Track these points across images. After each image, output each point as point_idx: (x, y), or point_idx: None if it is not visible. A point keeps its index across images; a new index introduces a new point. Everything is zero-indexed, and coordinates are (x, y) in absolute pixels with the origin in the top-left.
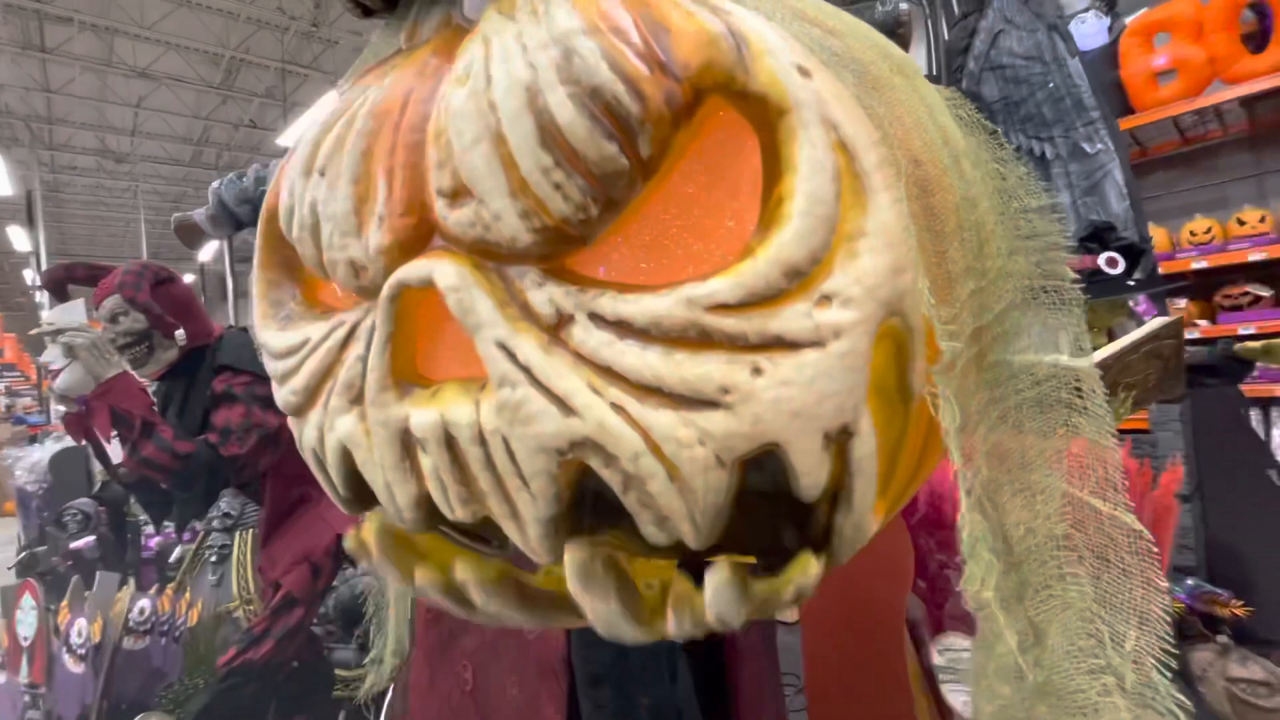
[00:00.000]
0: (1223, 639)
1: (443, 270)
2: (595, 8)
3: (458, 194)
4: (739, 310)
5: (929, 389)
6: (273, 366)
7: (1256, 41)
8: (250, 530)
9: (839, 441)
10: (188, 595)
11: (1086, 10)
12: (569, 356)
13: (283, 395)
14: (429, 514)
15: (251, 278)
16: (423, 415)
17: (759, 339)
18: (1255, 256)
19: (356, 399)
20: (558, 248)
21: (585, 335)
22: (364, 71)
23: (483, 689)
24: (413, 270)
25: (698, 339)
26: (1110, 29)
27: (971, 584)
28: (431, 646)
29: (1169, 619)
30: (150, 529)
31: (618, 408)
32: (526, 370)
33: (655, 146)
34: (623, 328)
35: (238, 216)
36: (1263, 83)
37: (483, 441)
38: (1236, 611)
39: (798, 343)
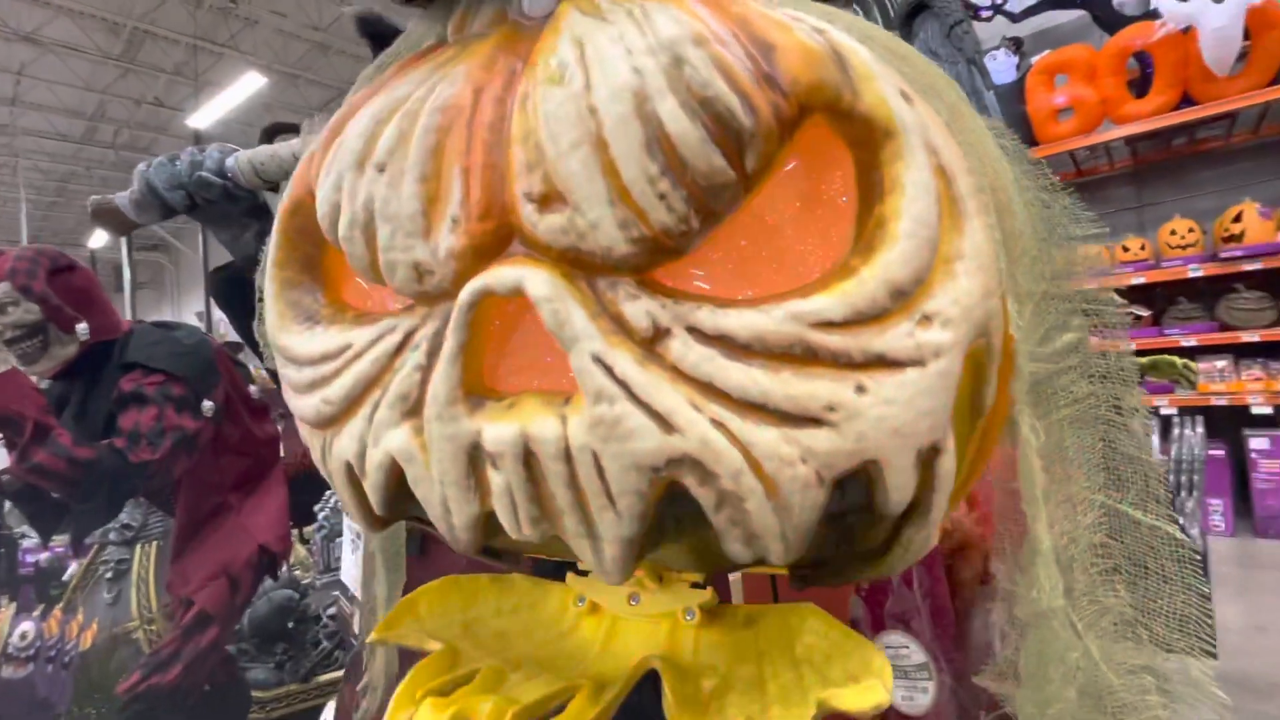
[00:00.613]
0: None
1: (535, 279)
2: (698, 17)
3: (549, 199)
4: (844, 328)
5: (1012, 408)
6: (296, 373)
7: (1140, 87)
8: (155, 543)
9: (928, 458)
10: (79, 616)
11: (998, 48)
12: (666, 371)
13: (311, 404)
14: (484, 534)
15: (263, 275)
16: (500, 430)
17: (863, 357)
18: (1136, 280)
19: (412, 411)
20: (653, 259)
21: (684, 350)
22: (408, 61)
23: None
24: (499, 277)
25: (802, 356)
26: (1018, 66)
27: (1040, 592)
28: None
29: (1210, 622)
30: (29, 543)
31: (718, 424)
32: (624, 385)
33: (761, 161)
34: (724, 342)
35: (168, 202)
36: (1145, 124)
37: (568, 458)
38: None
39: (900, 361)
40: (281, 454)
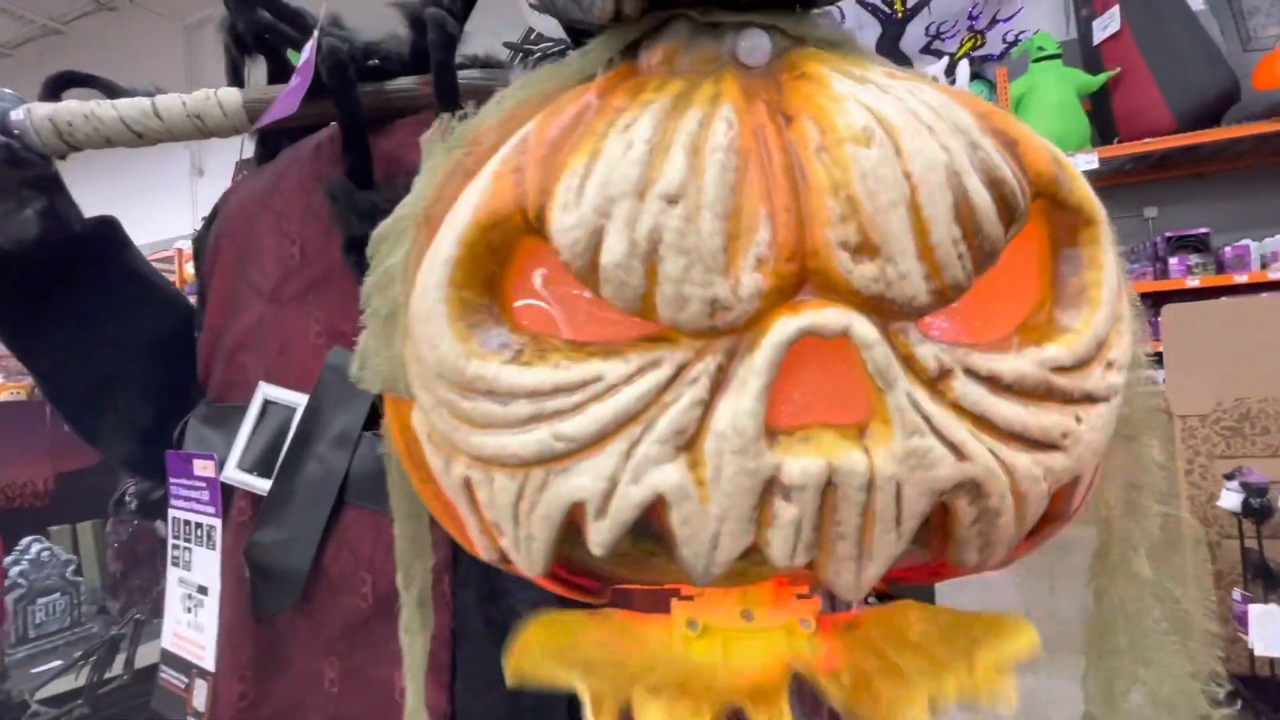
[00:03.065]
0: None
1: (861, 324)
2: (966, 104)
3: (863, 249)
4: (1070, 371)
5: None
6: (501, 407)
7: None
8: None
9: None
10: None
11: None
12: (949, 406)
13: (531, 439)
14: (740, 564)
15: (435, 299)
16: (804, 464)
17: (1079, 394)
18: None
19: (687, 446)
20: (936, 308)
21: (964, 388)
22: (612, 84)
23: None
24: (825, 319)
25: (1044, 393)
26: None
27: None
28: None
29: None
30: None
31: (993, 452)
32: (928, 420)
33: (1013, 234)
34: (993, 382)
35: None
36: None
37: (871, 487)
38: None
39: (1099, 398)
40: None
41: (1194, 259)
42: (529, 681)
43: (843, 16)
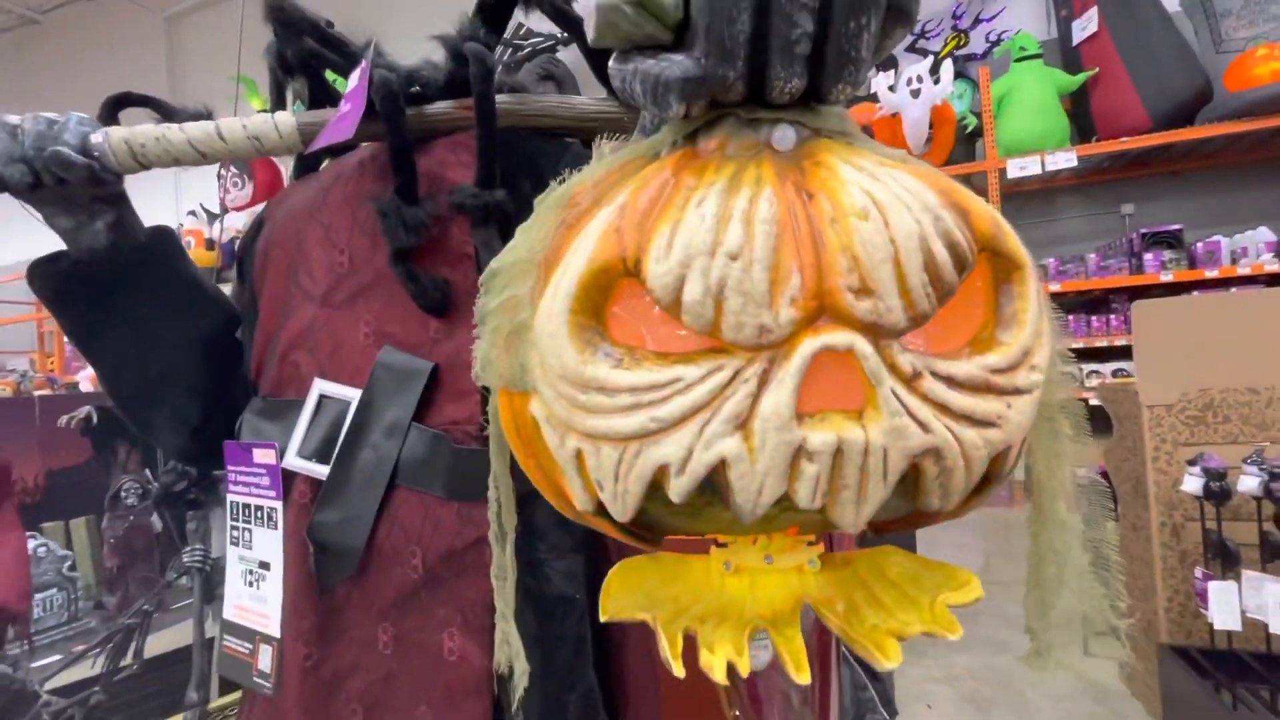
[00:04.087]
0: None
1: (860, 342)
2: (929, 185)
3: (862, 291)
4: (1004, 373)
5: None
6: (608, 399)
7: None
8: None
9: (1020, 444)
10: None
11: None
12: (919, 397)
13: (633, 421)
14: (772, 510)
15: (559, 323)
16: (822, 437)
17: (1010, 389)
18: None
19: (741, 424)
20: (911, 330)
21: (930, 385)
22: (682, 162)
23: None
24: (836, 339)
25: (985, 388)
26: None
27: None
28: (309, 698)
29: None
30: None
31: (951, 429)
32: (905, 407)
33: (963, 279)
34: (949, 381)
35: (2, 178)
36: None
37: (867, 452)
38: None
39: (1024, 390)
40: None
41: (1168, 254)
42: (617, 619)
43: None
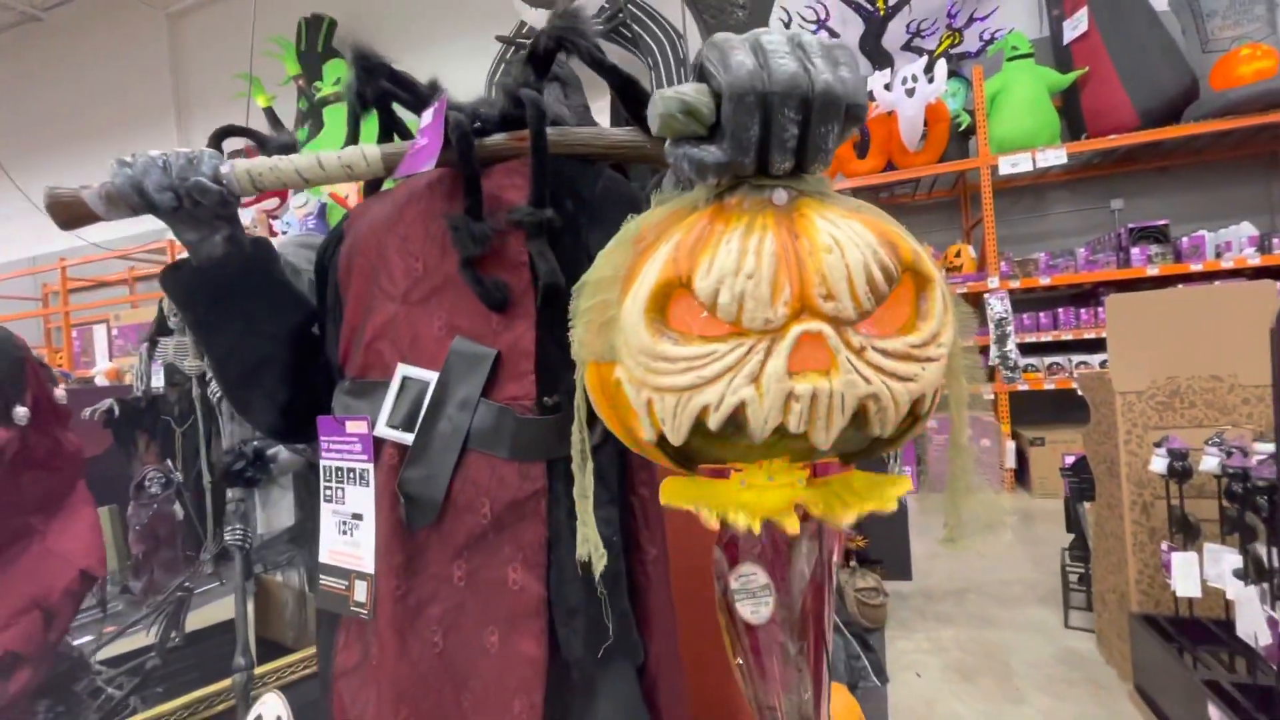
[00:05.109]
0: (852, 564)
1: (827, 328)
2: (870, 227)
3: (828, 297)
4: (921, 347)
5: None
6: (669, 365)
7: (861, 149)
8: None
9: (935, 395)
10: None
11: None
12: (864, 361)
13: (687, 378)
14: (772, 435)
15: (638, 317)
16: (804, 386)
17: (923, 357)
18: None
19: (754, 379)
20: (859, 321)
21: (872, 355)
22: (716, 213)
23: (453, 648)
24: (813, 327)
25: (907, 356)
26: None
27: (962, 440)
28: (399, 621)
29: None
30: None
31: (884, 382)
32: (855, 369)
33: (891, 288)
34: (884, 352)
35: (155, 202)
36: (862, 180)
37: (831, 396)
38: (859, 542)
39: (933, 359)
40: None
41: (1154, 249)
42: (671, 505)
43: (827, 14)
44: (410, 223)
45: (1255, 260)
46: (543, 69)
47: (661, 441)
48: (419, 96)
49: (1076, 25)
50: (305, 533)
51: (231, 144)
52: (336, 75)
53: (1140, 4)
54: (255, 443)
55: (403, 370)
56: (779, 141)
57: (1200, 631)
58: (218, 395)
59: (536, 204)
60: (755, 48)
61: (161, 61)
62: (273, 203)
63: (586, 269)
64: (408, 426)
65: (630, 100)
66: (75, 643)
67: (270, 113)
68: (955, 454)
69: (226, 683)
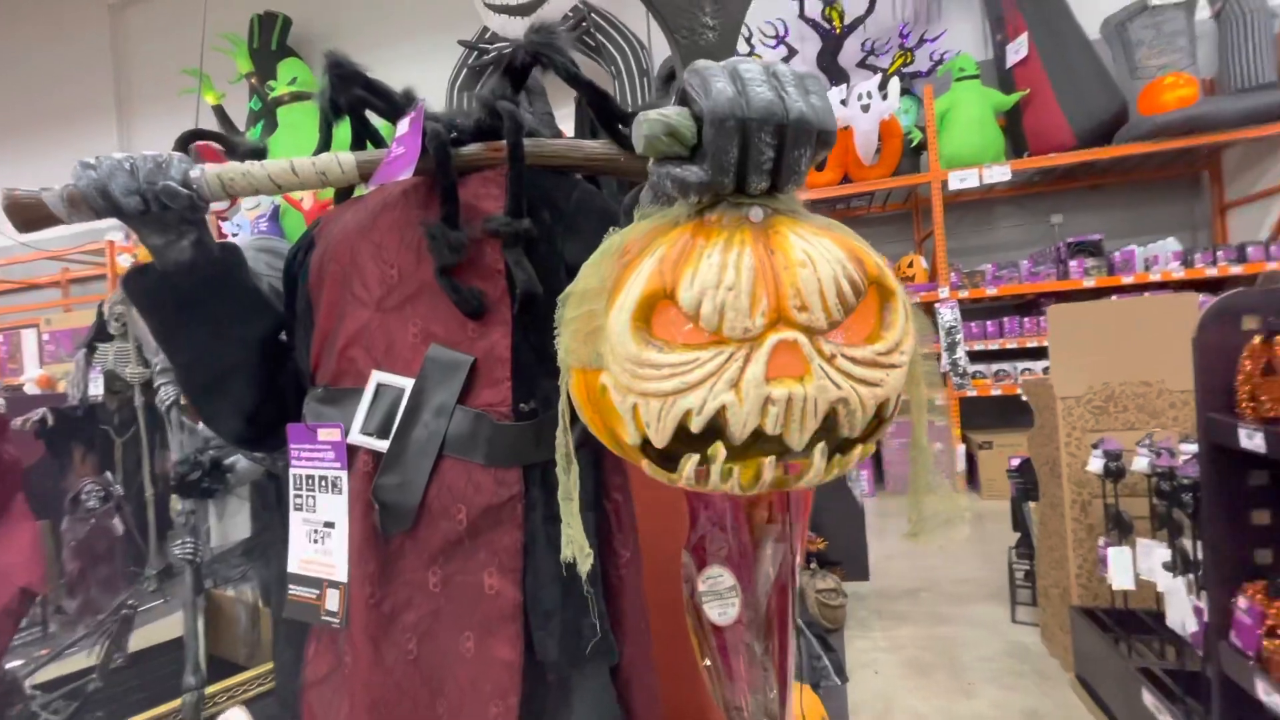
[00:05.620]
0: (813, 566)
1: (801, 337)
2: (839, 244)
3: (802, 308)
4: (885, 354)
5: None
6: (655, 371)
7: (819, 163)
8: None
9: (896, 400)
10: None
11: None
12: (834, 368)
13: (671, 384)
14: (749, 436)
15: (624, 326)
16: (780, 391)
17: (887, 364)
18: None
19: (734, 385)
20: (830, 330)
21: (841, 362)
22: (699, 228)
23: (428, 655)
24: (787, 335)
25: (873, 364)
26: None
27: (923, 442)
28: (374, 628)
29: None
30: None
31: (853, 388)
32: (827, 375)
33: (859, 301)
34: (852, 359)
35: (121, 206)
36: (819, 193)
37: (805, 400)
38: (819, 545)
39: (896, 365)
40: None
41: (1090, 262)
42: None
43: (786, 30)
44: (385, 230)
45: (1180, 274)
46: (519, 82)
47: (644, 444)
48: (394, 105)
49: (1018, 50)
50: (261, 545)
51: (170, 140)
52: (292, 75)
53: (1075, 31)
54: (212, 452)
55: (377, 377)
56: (756, 164)
57: (1135, 622)
58: (166, 403)
59: (514, 214)
60: (734, 76)
61: (102, 53)
62: (224, 203)
63: (562, 278)
64: (382, 433)
65: (605, 115)
66: (7, 666)
67: (220, 111)
68: (916, 454)
69: (176, 703)
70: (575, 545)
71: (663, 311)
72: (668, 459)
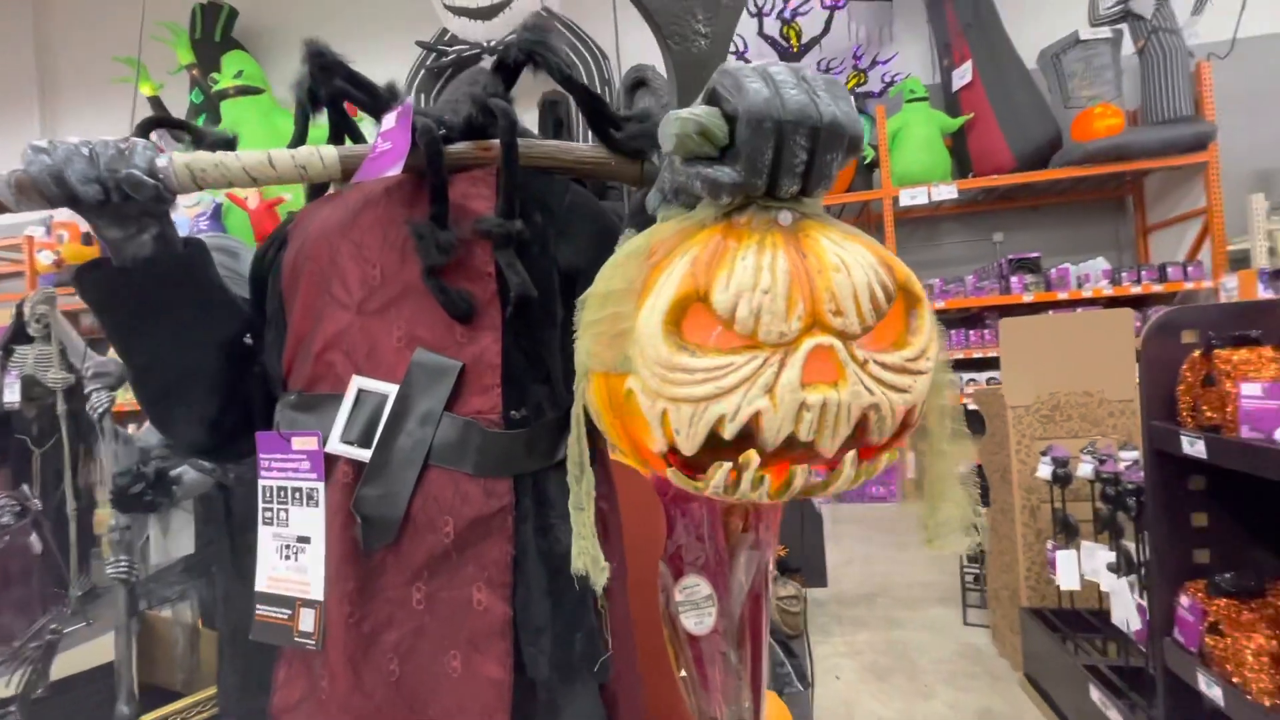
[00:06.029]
0: (774, 572)
1: (837, 343)
2: (870, 250)
3: (837, 313)
4: (912, 361)
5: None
6: (688, 375)
7: None
8: None
9: (923, 405)
10: None
11: None
12: (868, 374)
13: (705, 389)
14: (782, 441)
15: (656, 329)
16: (815, 397)
17: (915, 370)
18: None
19: (769, 390)
20: (862, 335)
21: (873, 368)
22: (728, 229)
23: (411, 675)
24: (823, 340)
25: (902, 370)
26: None
27: (938, 447)
28: (352, 649)
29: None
30: None
31: (884, 393)
32: (860, 381)
33: (889, 306)
34: (883, 365)
35: (78, 194)
36: None
37: (839, 406)
38: (781, 551)
39: (922, 372)
40: None
41: (1029, 278)
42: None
43: (745, 46)
44: (366, 229)
45: (1109, 291)
46: (511, 81)
47: (669, 452)
48: (377, 99)
49: (963, 76)
50: (205, 562)
51: (98, 133)
52: (238, 68)
53: (1015, 61)
54: (155, 462)
55: (358, 382)
56: (789, 166)
57: (1081, 621)
58: (99, 411)
59: (506, 215)
60: (767, 78)
61: (24, 36)
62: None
63: (554, 282)
64: (364, 442)
65: (597, 119)
66: None
67: (156, 102)
68: (936, 460)
69: None
70: (588, 557)
71: (693, 315)
72: (689, 466)
